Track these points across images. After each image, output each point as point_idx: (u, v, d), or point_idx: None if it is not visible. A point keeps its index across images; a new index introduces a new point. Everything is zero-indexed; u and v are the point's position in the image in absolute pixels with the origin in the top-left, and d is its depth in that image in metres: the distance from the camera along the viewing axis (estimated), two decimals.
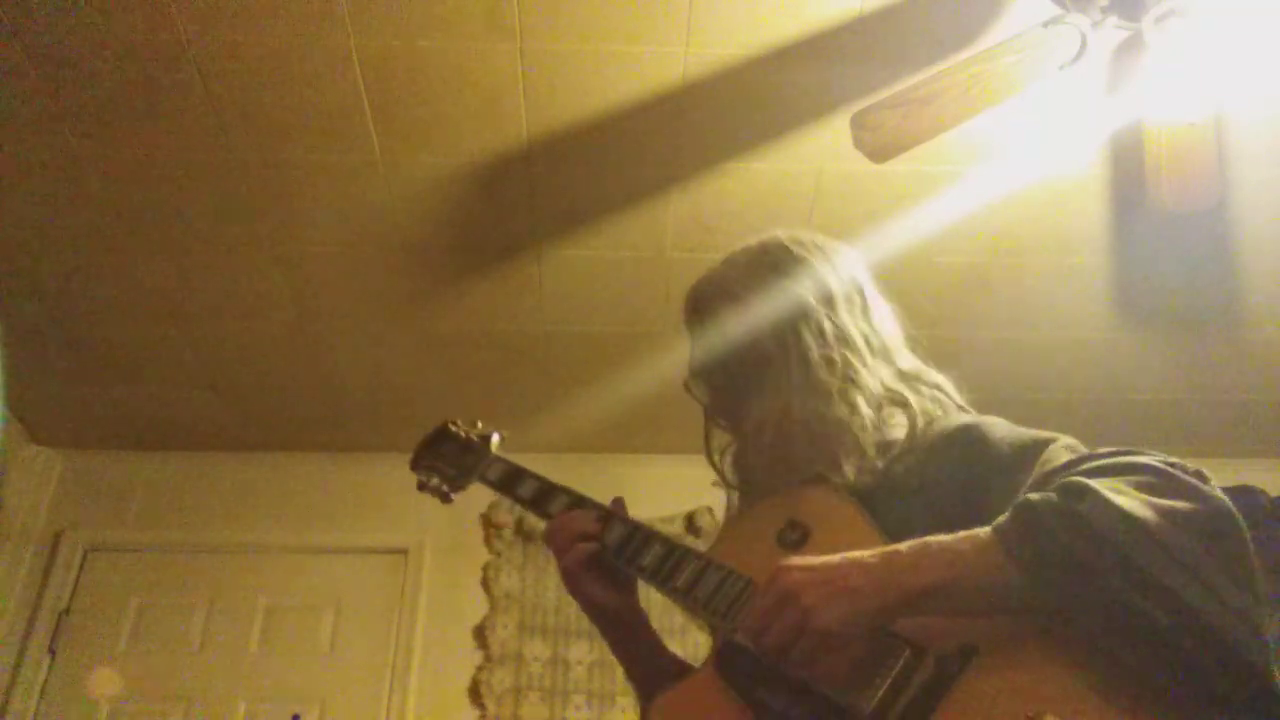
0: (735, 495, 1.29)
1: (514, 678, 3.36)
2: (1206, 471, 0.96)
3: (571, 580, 1.24)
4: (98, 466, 3.75)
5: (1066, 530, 0.89)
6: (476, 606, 3.49)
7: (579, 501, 1.31)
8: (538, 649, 3.40)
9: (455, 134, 2.54)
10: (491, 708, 3.30)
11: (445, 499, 1.52)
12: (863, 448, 1.13)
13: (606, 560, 1.22)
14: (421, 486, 1.54)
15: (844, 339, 1.21)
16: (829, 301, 1.23)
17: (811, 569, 0.96)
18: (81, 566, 3.58)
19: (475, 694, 3.35)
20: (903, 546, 0.96)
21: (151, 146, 2.56)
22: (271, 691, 3.39)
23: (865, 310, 1.25)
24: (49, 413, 3.60)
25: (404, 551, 3.59)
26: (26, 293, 3.02)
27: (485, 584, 3.52)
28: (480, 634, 3.45)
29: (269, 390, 3.48)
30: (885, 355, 1.23)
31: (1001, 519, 0.94)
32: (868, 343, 1.23)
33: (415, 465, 1.56)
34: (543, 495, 1.35)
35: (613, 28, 2.29)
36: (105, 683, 3.37)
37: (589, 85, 2.42)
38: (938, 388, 1.23)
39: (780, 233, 1.32)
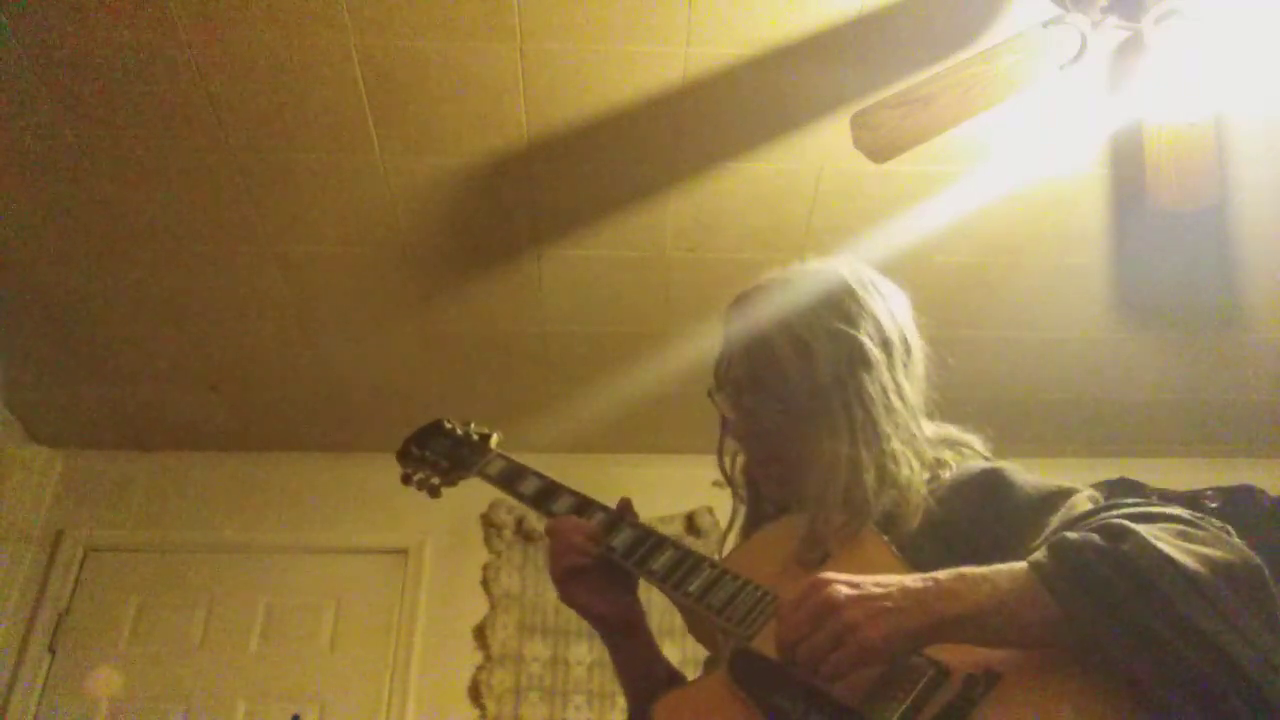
0: (742, 506, 1.28)
1: (514, 678, 3.36)
2: (1230, 528, 0.97)
3: (562, 587, 1.23)
4: (98, 466, 3.75)
5: (1108, 568, 0.89)
6: (476, 606, 3.49)
7: (584, 502, 1.29)
8: (538, 649, 3.40)
9: (455, 134, 2.54)
10: (491, 708, 3.31)
11: (434, 493, 1.48)
12: (923, 498, 1.13)
13: (613, 563, 1.21)
14: (406, 479, 1.50)
15: (899, 392, 1.20)
16: (888, 351, 1.22)
17: (856, 584, 0.95)
18: (81, 566, 3.58)
19: (475, 694, 3.35)
20: (940, 574, 0.96)
21: (151, 146, 2.56)
22: (271, 691, 3.39)
23: (909, 362, 1.24)
24: (49, 412, 3.60)
25: (404, 551, 3.60)
26: (26, 292, 3.02)
27: (485, 584, 3.53)
28: (480, 634, 3.45)
29: (269, 390, 3.48)
30: (921, 411, 1.23)
31: (1037, 555, 0.94)
32: (914, 395, 1.23)
33: (403, 456, 1.51)
34: (546, 494, 1.33)
35: (613, 28, 2.29)
36: (105, 683, 3.37)
37: (589, 85, 2.42)
38: (969, 445, 1.23)
39: (844, 270, 1.28)
